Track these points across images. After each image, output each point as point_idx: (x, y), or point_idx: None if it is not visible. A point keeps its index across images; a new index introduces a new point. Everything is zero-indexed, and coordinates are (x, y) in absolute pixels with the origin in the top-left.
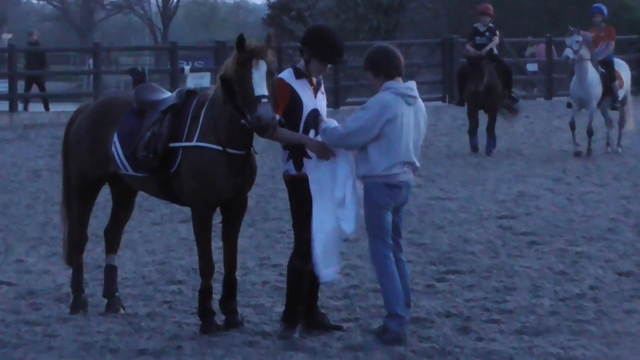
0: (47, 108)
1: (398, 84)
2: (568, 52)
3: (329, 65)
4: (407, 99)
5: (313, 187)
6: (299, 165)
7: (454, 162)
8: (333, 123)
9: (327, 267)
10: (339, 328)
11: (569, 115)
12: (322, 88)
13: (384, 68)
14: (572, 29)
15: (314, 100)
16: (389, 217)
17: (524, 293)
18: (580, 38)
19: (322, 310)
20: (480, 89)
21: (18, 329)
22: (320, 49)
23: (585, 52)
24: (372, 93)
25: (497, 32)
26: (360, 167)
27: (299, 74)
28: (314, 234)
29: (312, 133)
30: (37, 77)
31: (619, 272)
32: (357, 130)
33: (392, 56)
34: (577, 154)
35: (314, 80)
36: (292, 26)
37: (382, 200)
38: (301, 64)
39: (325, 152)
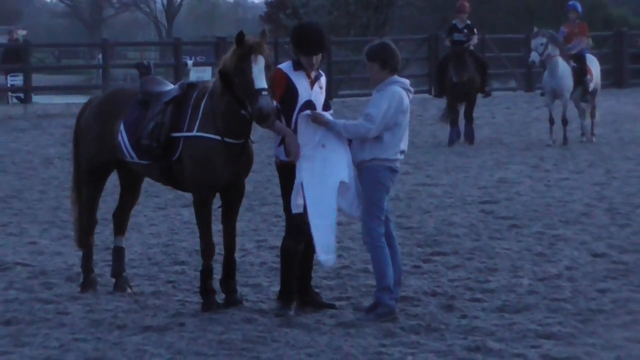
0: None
1: (403, 79)
2: (534, 56)
3: (318, 58)
4: (409, 93)
5: (305, 175)
6: (287, 153)
7: (439, 151)
8: (327, 116)
9: (327, 253)
10: (332, 306)
11: (545, 106)
12: (322, 82)
13: (390, 62)
14: (536, 29)
15: (310, 91)
16: (387, 198)
17: (505, 273)
18: (544, 40)
19: (316, 290)
20: (464, 79)
21: (31, 307)
22: (301, 45)
23: (552, 50)
24: (368, 85)
25: (475, 30)
26: (368, 150)
27: (297, 66)
28: (310, 221)
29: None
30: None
31: (593, 253)
32: (381, 122)
33: (396, 52)
34: (549, 146)
35: (313, 74)
36: (288, 22)
37: (386, 181)
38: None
39: (297, 155)
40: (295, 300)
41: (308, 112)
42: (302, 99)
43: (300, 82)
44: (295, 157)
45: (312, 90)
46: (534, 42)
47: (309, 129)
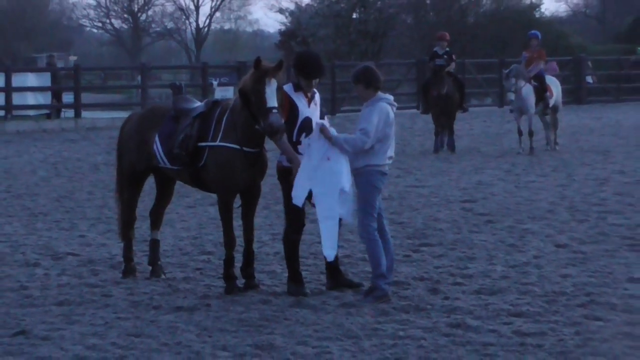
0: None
1: (388, 95)
2: (510, 95)
3: (316, 81)
4: (393, 107)
5: (315, 183)
6: (288, 160)
7: (426, 158)
8: (326, 124)
9: (331, 248)
10: (357, 285)
11: (514, 120)
12: (316, 99)
13: (372, 82)
14: (505, 72)
15: (308, 109)
16: (379, 197)
17: (481, 261)
18: (513, 80)
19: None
20: (442, 93)
21: (80, 290)
22: (302, 70)
23: (520, 82)
24: (361, 102)
25: (454, 57)
26: (361, 158)
27: (297, 88)
28: (320, 223)
29: (303, 137)
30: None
31: (556, 244)
32: (375, 135)
33: (377, 73)
34: (518, 154)
35: (309, 93)
36: (298, 49)
37: (378, 183)
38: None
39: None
40: (328, 282)
41: (320, 122)
42: (302, 115)
43: (300, 101)
44: (295, 174)
45: (309, 107)
46: (506, 84)
47: (319, 143)
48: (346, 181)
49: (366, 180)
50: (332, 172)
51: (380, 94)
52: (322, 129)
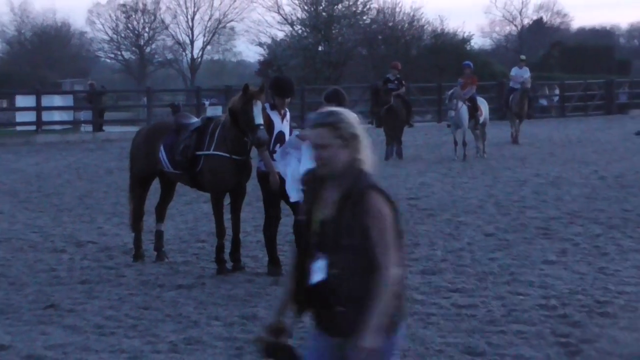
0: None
1: (353, 113)
2: (450, 113)
3: (287, 100)
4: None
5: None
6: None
7: (379, 163)
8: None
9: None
10: None
11: (450, 133)
12: (288, 117)
13: (342, 102)
14: (447, 94)
15: (281, 124)
16: None
17: (425, 247)
18: (454, 101)
19: None
20: (386, 107)
21: (99, 272)
22: (276, 90)
23: (459, 104)
24: None
25: (403, 82)
26: None
27: (272, 107)
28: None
29: (277, 147)
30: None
31: (485, 233)
32: None
33: (345, 95)
34: (454, 160)
35: (282, 111)
36: (274, 75)
37: None
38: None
39: (276, 184)
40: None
41: (298, 133)
42: (276, 129)
43: (275, 117)
44: (274, 185)
45: (282, 123)
46: (448, 104)
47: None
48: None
49: None
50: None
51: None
52: (302, 136)
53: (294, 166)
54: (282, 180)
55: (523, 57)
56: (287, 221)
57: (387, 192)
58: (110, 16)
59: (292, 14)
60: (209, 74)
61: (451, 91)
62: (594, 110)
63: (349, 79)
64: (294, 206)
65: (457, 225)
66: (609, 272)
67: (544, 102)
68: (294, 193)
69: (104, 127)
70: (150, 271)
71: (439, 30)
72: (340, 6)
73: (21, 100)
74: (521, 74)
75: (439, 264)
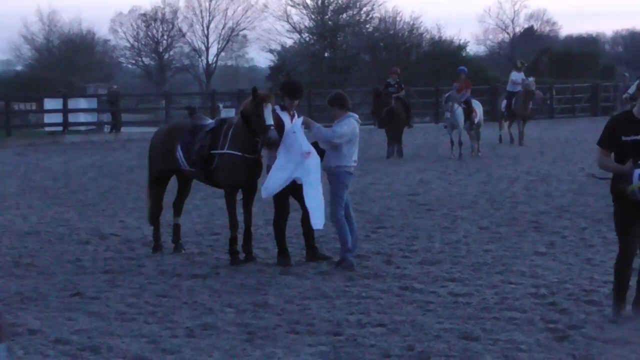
0: (118, 130)
1: (354, 114)
2: (447, 114)
3: (297, 102)
4: (358, 123)
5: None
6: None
7: (381, 161)
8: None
9: (320, 218)
10: (328, 257)
11: (447, 134)
12: (296, 118)
13: (345, 105)
14: (444, 96)
15: (290, 124)
16: (347, 192)
17: (424, 240)
18: (450, 102)
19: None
20: (388, 108)
21: (121, 262)
22: (287, 92)
23: (455, 106)
24: (332, 120)
25: (403, 86)
26: (333, 160)
27: (283, 108)
28: (308, 203)
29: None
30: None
31: (480, 227)
32: (342, 135)
33: (347, 98)
34: (450, 159)
35: (291, 112)
36: (283, 80)
37: (347, 181)
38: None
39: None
40: (305, 256)
41: (301, 119)
42: (287, 129)
43: (285, 118)
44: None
45: (292, 123)
46: (445, 106)
47: (300, 141)
48: (319, 175)
49: (337, 179)
50: (316, 165)
51: (349, 112)
52: (305, 121)
53: (281, 163)
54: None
55: (522, 62)
56: (295, 215)
57: None
58: (131, 25)
59: (300, 23)
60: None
61: (447, 94)
62: (581, 112)
63: (352, 84)
64: (303, 202)
65: (454, 219)
66: (595, 263)
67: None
68: (271, 188)
69: (123, 129)
70: (168, 262)
71: (436, 37)
72: (345, 15)
73: (49, 103)
74: (519, 78)
75: (437, 255)
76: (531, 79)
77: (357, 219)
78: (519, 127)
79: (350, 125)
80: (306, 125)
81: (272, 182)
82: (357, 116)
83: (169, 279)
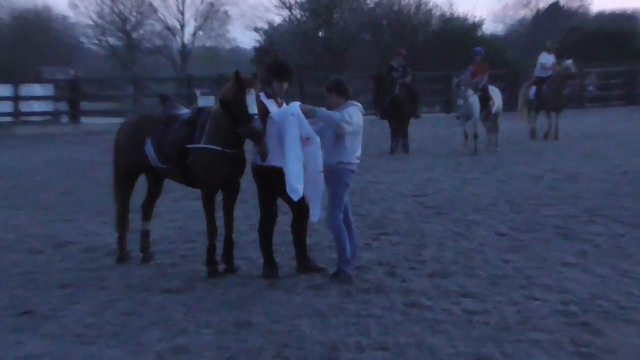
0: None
1: (357, 102)
2: (459, 101)
3: (286, 85)
4: (362, 112)
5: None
6: (262, 158)
7: (383, 157)
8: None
9: (318, 209)
10: (323, 269)
11: (460, 125)
12: (284, 106)
13: (345, 92)
14: (455, 81)
15: (286, 106)
16: (347, 192)
17: (433, 248)
18: (463, 88)
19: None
20: (385, 103)
21: (80, 275)
22: (274, 73)
23: (468, 92)
24: (329, 108)
25: (408, 70)
26: (334, 156)
27: (268, 95)
28: (307, 193)
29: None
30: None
31: (498, 233)
32: (350, 119)
33: (347, 84)
34: (463, 154)
35: (279, 99)
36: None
37: (348, 180)
38: (270, 89)
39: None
40: (298, 266)
41: (298, 103)
42: (283, 111)
43: (272, 106)
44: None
45: (287, 106)
46: (456, 91)
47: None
48: (320, 164)
49: (338, 177)
50: (315, 154)
51: (351, 101)
52: (304, 109)
53: (295, 164)
54: (281, 176)
55: (552, 42)
56: (284, 220)
57: None
58: None
59: None
60: (201, 62)
61: (459, 78)
62: (616, 100)
63: (351, 67)
64: (293, 204)
65: (468, 225)
66: (633, 276)
67: (590, 89)
68: (295, 193)
69: (83, 119)
70: (135, 274)
71: (447, 14)
72: None
73: None
74: (550, 61)
75: (449, 266)
76: (569, 61)
77: (357, 223)
78: (550, 119)
79: (358, 114)
80: (307, 113)
81: (294, 177)
82: (360, 105)
83: (135, 295)
